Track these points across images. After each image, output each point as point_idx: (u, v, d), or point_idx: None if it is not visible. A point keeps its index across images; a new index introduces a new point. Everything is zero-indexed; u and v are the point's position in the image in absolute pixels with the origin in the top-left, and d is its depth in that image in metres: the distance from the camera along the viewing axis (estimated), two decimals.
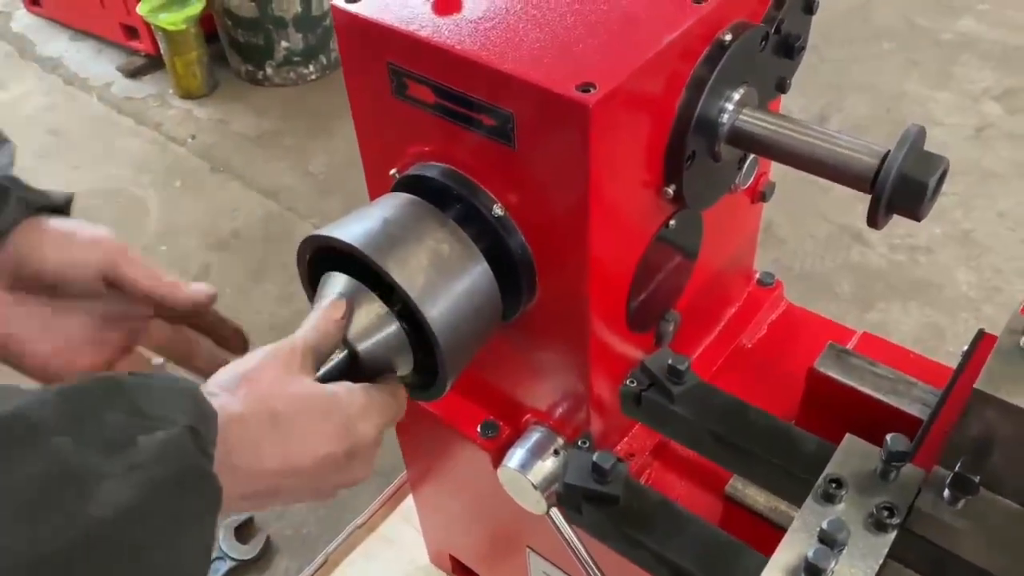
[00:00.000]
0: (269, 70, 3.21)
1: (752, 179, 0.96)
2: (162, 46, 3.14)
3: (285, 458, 0.61)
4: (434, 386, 0.80)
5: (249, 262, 2.58)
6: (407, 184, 0.83)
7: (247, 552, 1.80)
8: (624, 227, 0.81)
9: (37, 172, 2.94)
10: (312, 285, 0.80)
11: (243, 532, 1.85)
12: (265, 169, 2.92)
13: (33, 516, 0.44)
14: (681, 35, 0.73)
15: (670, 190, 0.81)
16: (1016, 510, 0.62)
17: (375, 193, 0.90)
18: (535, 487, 0.91)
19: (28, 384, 0.61)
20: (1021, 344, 0.61)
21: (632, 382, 0.85)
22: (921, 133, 0.74)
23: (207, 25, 3.16)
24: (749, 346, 1.14)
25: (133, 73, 3.38)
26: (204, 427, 0.53)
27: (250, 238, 2.66)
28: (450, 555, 1.43)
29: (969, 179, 2.57)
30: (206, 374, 0.67)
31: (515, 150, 0.74)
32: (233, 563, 1.79)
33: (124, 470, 0.48)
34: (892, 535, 0.64)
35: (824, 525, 0.61)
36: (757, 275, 1.18)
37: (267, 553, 1.83)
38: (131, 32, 3.34)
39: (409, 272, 0.74)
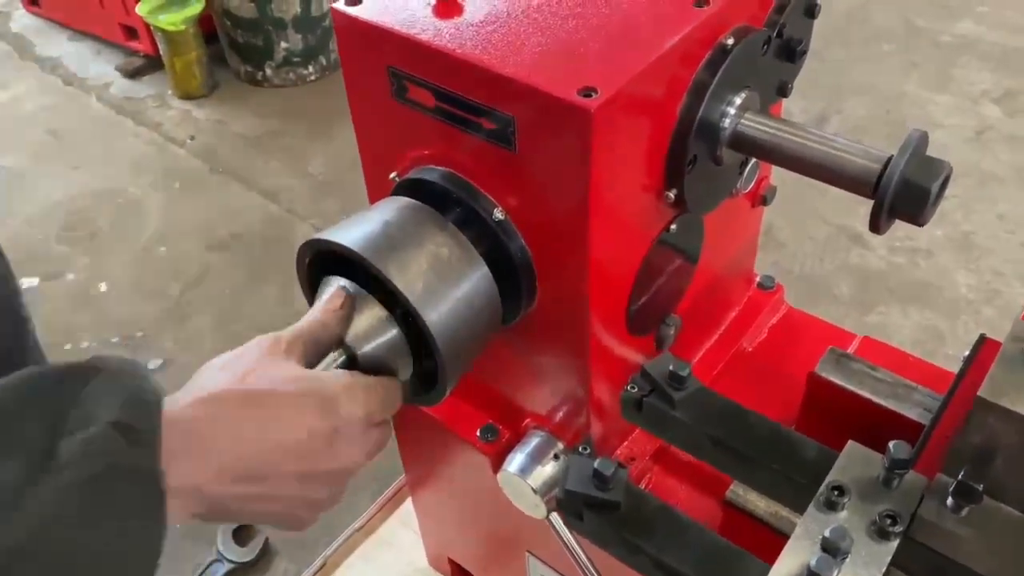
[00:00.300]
0: (268, 71, 3.21)
1: (753, 183, 0.96)
2: (161, 47, 3.13)
3: (264, 431, 0.60)
4: (434, 390, 0.79)
5: (249, 263, 2.57)
6: (407, 188, 0.83)
7: (245, 555, 1.80)
8: (625, 231, 0.81)
9: (36, 173, 2.94)
10: (312, 289, 0.79)
11: (241, 534, 1.84)
12: (265, 170, 2.91)
13: None
14: (683, 39, 0.73)
15: (671, 194, 0.81)
16: (1019, 518, 0.62)
17: (375, 196, 0.89)
18: (535, 491, 0.91)
19: None
20: None
21: (633, 387, 0.85)
22: (924, 138, 0.74)
23: (206, 26, 3.15)
24: (750, 350, 1.14)
25: (132, 74, 3.38)
26: (139, 419, 0.52)
27: (250, 240, 2.66)
28: (449, 558, 1.43)
29: (969, 181, 2.57)
30: None
31: (516, 154, 0.73)
32: (231, 566, 1.79)
33: (46, 479, 0.47)
34: (895, 543, 0.63)
35: (827, 533, 0.61)
36: (758, 279, 1.18)
37: (265, 555, 1.83)
38: (130, 32, 3.34)
39: (409, 276, 0.74)
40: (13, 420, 0.49)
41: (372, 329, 0.74)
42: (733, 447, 0.76)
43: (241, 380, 0.61)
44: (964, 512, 0.62)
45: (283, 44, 3.13)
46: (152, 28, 3.09)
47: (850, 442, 0.70)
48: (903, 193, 0.72)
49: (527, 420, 0.99)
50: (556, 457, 0.93)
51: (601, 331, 0.85)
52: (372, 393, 0.69)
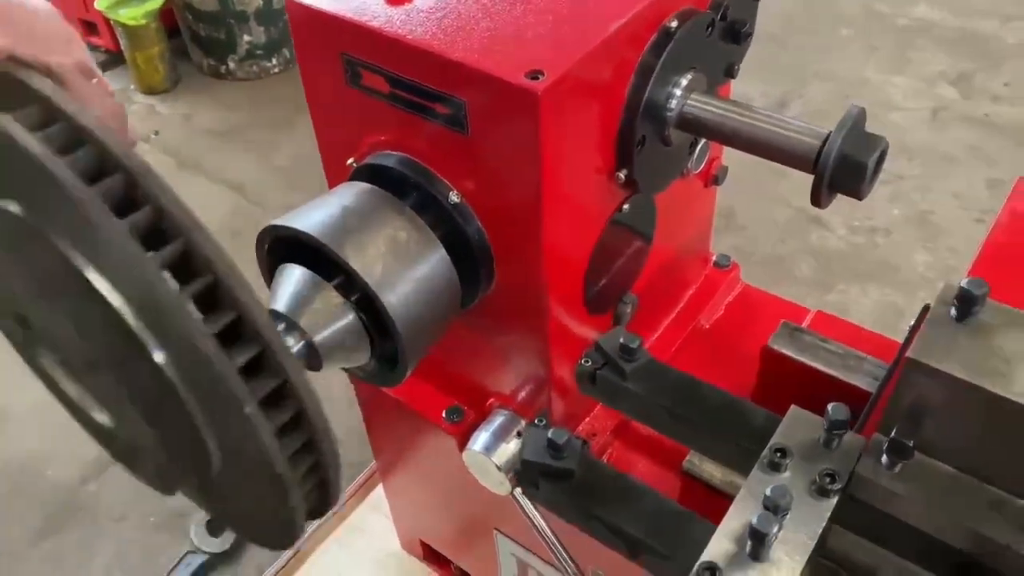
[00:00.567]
0: (232, 64, 3.19)
1: (704, 163, 0.98)
2: (122, 41, 3.10)
3: None
4: (394, 371, 0.81)
5: None
6: (364, 173, 0.84)
7: (218, 545, 1.80)
8: (578, 212, 0.83)
9: None
10: (271, 274, 0.81)
11: (214, 525, 1.85)
12: (231, 163, 2.90)
13: None
14: (628, 22, 0.75)
15: (622, 175, 0.83)
16: (950, 472, 0.65)
17: (333, 182, 0.91)
18: (499, 468, 0.93)
19: None
20: (951, 314, 0.63)
21: (587, 361, 0.87)
22: (861, 114, 0.77)
23: (168, 20, 3.12)
24: (707, 326, 1.17)
25: None
26: None
27: (218, 232, 2.62)
28: (421, 541, 1.45)
29: (926, 161, 2.62)
30: None
31: (468, 137, 0.75)
32: (206, 556, 1.79)
33: None
34: (834, 500, 0.67)
35: (768, 492, 0.63)
36: (714, 257, 1.21)
37: (239, 545, 1.83)
38: (90, 28, 3.29)
39: (367, 259, 0.75)
40: None
41: (328, 314, 0.76)
42: (684, 416, 0.79)
43: None
44: (898, 468, 0.65)
45: (246, 37, 3.11)
46: (112, 23, 3.06)
47: (793, 407, 0.73)
48: (841, 168, 0.75)
49: (491, 400, 1.01)
50: (519, 435, 0.95)
51: (559, 310, 0.87)
52: (97, 73, 0.66)
